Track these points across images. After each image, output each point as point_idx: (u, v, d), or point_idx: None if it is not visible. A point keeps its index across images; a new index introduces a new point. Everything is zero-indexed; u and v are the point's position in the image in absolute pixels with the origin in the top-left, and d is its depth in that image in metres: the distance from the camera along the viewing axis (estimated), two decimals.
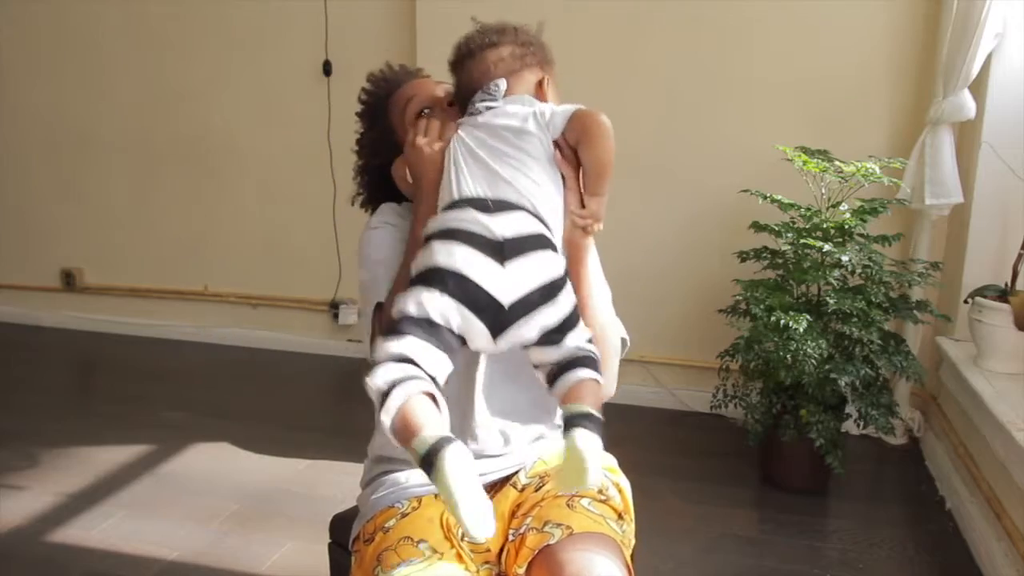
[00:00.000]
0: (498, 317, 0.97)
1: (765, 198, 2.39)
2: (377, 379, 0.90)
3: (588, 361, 1.03)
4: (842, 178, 2.34)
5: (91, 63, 3.72)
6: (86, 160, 3.84)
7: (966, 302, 2.38)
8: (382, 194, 1.33)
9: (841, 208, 2.36)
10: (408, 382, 0.89)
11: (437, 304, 0.95)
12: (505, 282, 0.97)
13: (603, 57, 2.94)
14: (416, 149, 1.17)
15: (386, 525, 1.18)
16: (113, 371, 3.63)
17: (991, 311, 2.26)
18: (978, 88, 2.44)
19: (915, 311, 2.37)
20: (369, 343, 1.15)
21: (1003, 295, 2.28)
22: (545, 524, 1.13)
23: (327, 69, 3.38)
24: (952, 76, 2.40)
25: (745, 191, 2.45)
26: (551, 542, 1.09)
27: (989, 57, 2.40)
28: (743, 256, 2.46)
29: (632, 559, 1.25)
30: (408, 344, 0.92)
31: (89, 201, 3.88)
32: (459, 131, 1.14)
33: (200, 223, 3.74)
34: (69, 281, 3.97)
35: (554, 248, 1.04)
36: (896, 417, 2.35)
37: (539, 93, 1.17)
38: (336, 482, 2.46)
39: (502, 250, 0.97)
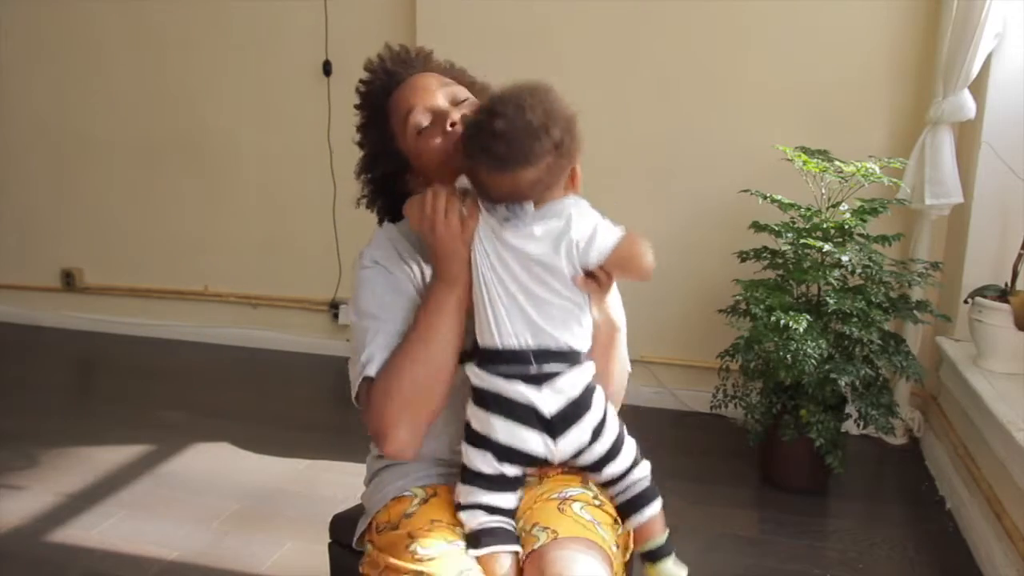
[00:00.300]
0: (548, 464, 1.15)
1: (765, 198, 2.38)
2: (469, 521, 1.12)
3: (646, 495, 1.18)
4: (842, 178, 2.34)
5: (91, 63, 3.72)
6: (86, 160, 3.84)
7: (966, 302, 2.38)
8: (385, 201, 1.29)
9: (841, 208, 2.35)
10: (494, 546, 1.11)
11: (504, 465, 1.12)
12: (558, 449, 1.11)
13: (604, 57, 2.94)
14: (439, 241, 1.10)
15: (407, 511, 1.18)
16: (113, 371, 3.63)
17: (991, 311, 2.26)
18: (978, 88, 2.44)
19: (915, 311, 2.37)
20: (354, 398, 1.17)
21: (1003, 295, 2.28)
22: (533, 527, 1.13)
23: (327, 69, 3.38)
24: (952, 76, 2.40)
25: (745, 191, 2.45)
26: (536, 546, 1.10)
27: (989, 57, 2.40)
28: (743, 256, 2.46)
29: (629, 563, 1.25)
30: (487, 497, 1.12)
31: (89, 201, 3.88)
32: (483, 242, 1.10)
33: (200, 223, 3.74)
34: (69, 281, 3.97)
35: (595, 390, 1.13)
36: (896, 417, 2.35)
37: (569, 184, 1.12)
38: (336, 482, 2.46)
39: (552, 428, 1.10)
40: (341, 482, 2.42)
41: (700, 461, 2.65)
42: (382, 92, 1.24)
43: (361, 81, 1.28)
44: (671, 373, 3.06)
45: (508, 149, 1.04)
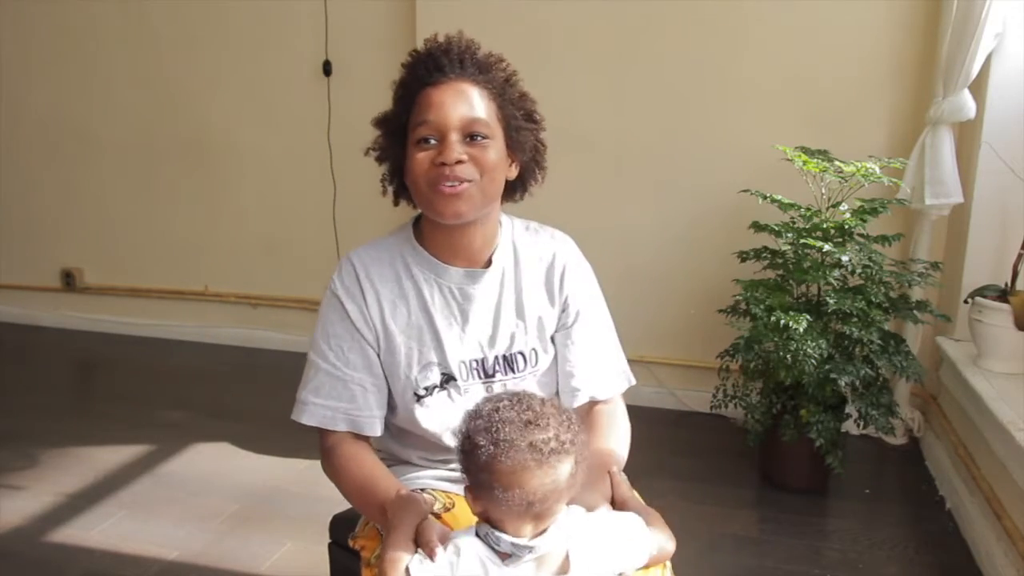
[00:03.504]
0: None
1: (765, 198, 2.39)
2: None
3: None
4: (842, 178, 2.34)
5: (91, 63, 3.72)
6: (86, 160, 3.84)
7: (966, 302, 2.38)
8: (396, 186, 1.27)
9: (841, 208, 2.35)
10: None
11: None
12: None
13: (604, 58, 2.93)
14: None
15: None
16: (113, 371, 3.63)
17: (991, 311, 2.26)
18: (978, 88, 2.44)
19: (915, 311, 2.37)
20: (322, 454, 1.27)
21: (1003, 295, 2.28)
22: None
23: (327, 69, 3.38)
24: (952, 76, 2.40)
25: (745, 191, 2.45)
26: None
27: (989, 57, 2.40)
28: (743, 256, 2.46)
29: None
30: None
31: (89, 201, 3.88)
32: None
33: (200, 223, 3.74)
34: (69, 281, 3.97)
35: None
36: (896, 417, 2.35)
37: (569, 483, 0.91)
38: None
39: None
40: None
41: (700, 461, 2.65)
42: (417, 78, 1.21)
43: (410, 56, 1.25)
44: (671, 373, 3.06)
45: (548, 433, 0.88)
